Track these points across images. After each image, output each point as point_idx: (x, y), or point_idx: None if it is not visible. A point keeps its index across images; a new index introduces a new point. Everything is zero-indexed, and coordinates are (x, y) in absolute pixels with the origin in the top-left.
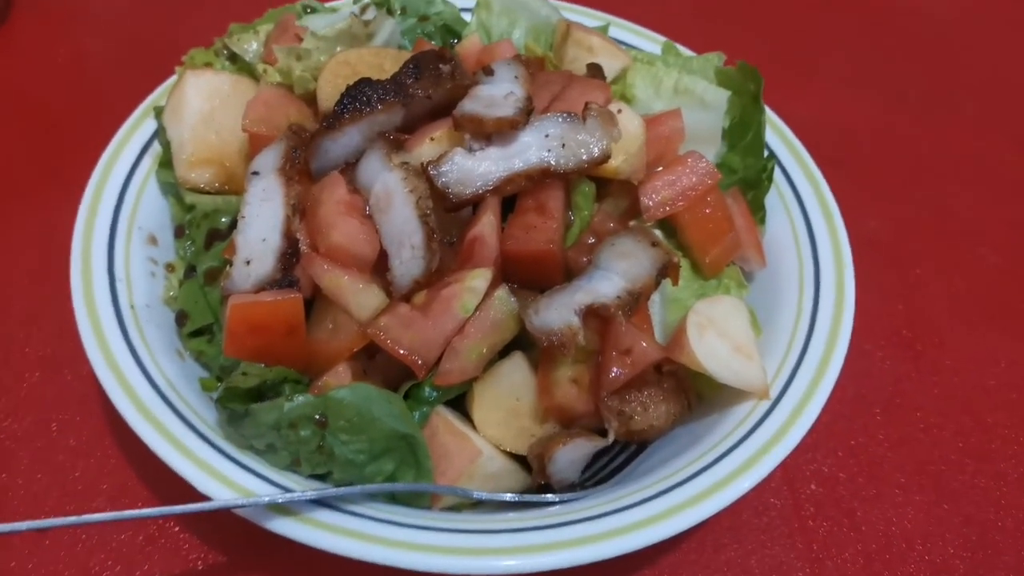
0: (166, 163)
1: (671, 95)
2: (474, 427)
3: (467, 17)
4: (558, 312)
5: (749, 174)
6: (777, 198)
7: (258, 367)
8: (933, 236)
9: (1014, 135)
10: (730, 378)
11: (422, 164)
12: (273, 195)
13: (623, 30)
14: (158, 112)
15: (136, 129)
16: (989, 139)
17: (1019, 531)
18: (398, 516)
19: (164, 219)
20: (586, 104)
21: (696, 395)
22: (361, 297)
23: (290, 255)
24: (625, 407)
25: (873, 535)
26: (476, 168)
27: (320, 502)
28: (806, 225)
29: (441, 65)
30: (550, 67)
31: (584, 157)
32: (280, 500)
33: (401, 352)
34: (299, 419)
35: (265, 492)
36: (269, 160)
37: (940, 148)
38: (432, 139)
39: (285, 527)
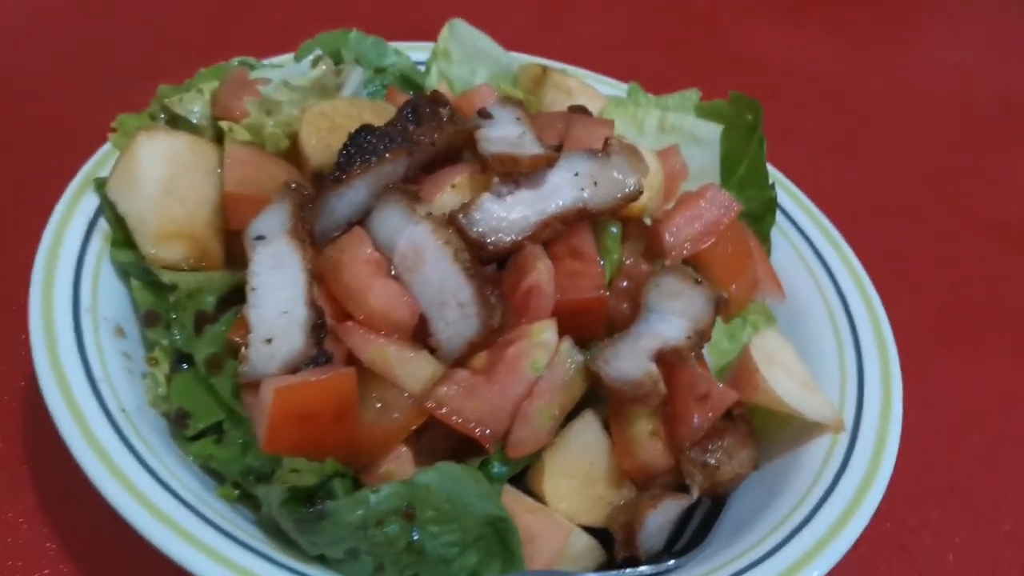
0: (120, 242)
1: (656, 133)
2: (542, 503)
3: (421, 68)
4: (631, 360)
5: (752, 207)
6: (775, 229)
7: (306, 462)
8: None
9: (920, 173)
10: (808, 413)
11: (449, 214)
12: (286, 261)
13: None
14: (99, 184)
15: (75, 206)
16: (893, 177)
17: None
18: None
19: (126, 307)
20: (606, 140)
21: None
22: (414, 367)
23: (320, 327)
24: (710, 458)
25: None
26: (509, 214)
27: None
28: (814, 253)
29: (440, 109)
30: (532, 110)
31: (619, 195)
32: None
33: (467, 425)
34: (387, 514)
35: None
36: (274, 222)
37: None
38: (453, 186)
39: None
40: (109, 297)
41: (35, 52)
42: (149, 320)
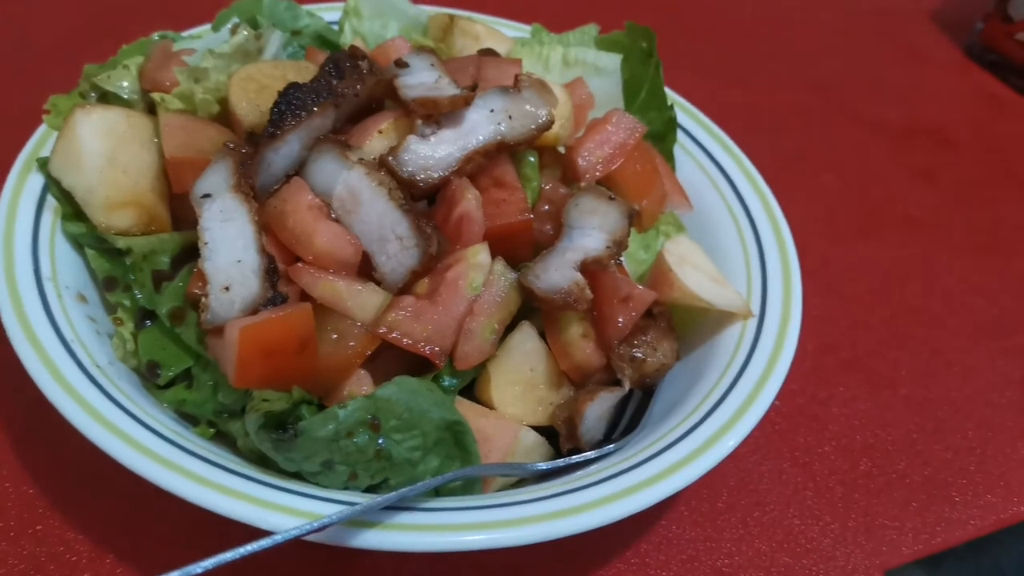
0: (70, 215)
1: (561, 68)
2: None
3: (334, 27)
4: (559, 273)
5: (655, 127)
6: (677, 147)
7: (275, 393)
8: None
9: (805, 84)
10: (719, 303)
11: (379, 157)
12: (234, 214)
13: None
14: (43, 163)
15: (22, 187)
16: (780, 89)
17: None
18: (474, 503)
19: (84, 276)
20: (516, 77)
21: None
22: (363, 298)
23: (273, 271)
24: (636, 352)
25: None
26: (435, 152)
27: (392, 507)
28: (715, 165)
29: (359, 62)
30: (443, 57)
31: (533, 126)
32: (352, 513)
33: (417, 345)
34: (355, 426)
35: (333, 511)
36: (218, 179)
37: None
38: (380, 132)
39: (367, 540)
40: (67, 267)
41: None
42: (109, 285)
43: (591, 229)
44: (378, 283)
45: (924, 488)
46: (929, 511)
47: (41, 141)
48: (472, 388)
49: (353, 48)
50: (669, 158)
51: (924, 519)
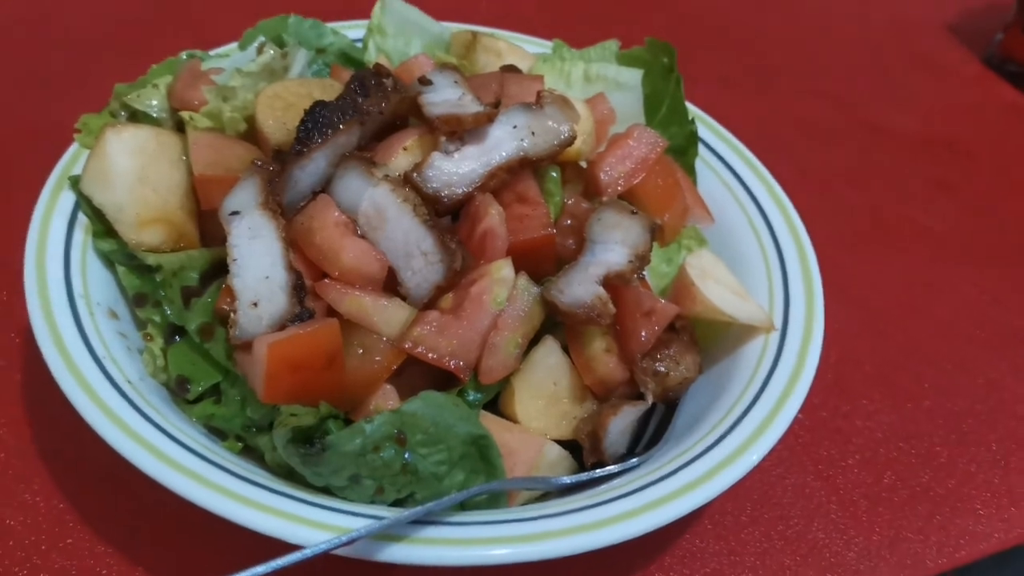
0: (101, 233)
1: (583, 84)
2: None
3: (358, 45)
4: (582, 287)
5: (676, 142)
6: (699, 161)
7: (302, 407)
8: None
9: (825, 95)
10: (742, 317)
11: (404, 174)
12: (262, 231)
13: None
14: (74, 182)
15: (54, 204)
16: (800, 101)
17: None
18: (499, 516)
19: (115, 292)
20: (539, 93)
21: None
22: (388, 313)
23: (300, 287)
24: (659, 366)
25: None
26: (458, 169)
27: (418, 521)
28: (736, 178)
29: (384, 80)
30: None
31: (555, 142)
32: (379, 527)
33: (442, 359)
34: (382, 440)
35: (361, 525)
36: (246, 197)
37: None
38: (405, 149)
39: (394, 554)
40: (98, 284)
41: None
42: (139, 301)
43: (613, 243)
44: (403, 298)
45: (948, 501)
46: (953, 524)
47: (73, 159)
48: (496, 402)
49: (378, 66)
50: (690, 172)
51: (948, 532)
